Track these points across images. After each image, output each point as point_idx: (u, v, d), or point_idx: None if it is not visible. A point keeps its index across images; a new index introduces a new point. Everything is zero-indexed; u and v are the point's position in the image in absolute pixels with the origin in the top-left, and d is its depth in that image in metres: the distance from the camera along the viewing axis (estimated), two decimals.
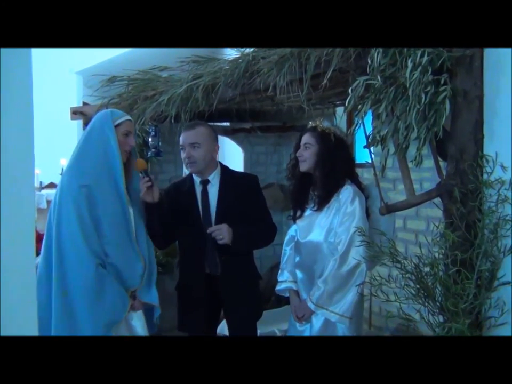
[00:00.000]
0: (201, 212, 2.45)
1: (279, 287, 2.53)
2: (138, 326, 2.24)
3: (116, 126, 2.19)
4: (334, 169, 2.31)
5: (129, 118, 2.29)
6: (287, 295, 2.53)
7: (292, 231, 2.57)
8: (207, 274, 2.45)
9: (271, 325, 3.42)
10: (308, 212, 2.44)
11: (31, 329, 1.26)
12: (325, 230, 2.33)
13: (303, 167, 2.38)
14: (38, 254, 2.34)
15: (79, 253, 2.07)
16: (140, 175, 2.24)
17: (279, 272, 2.56)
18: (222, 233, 2.33)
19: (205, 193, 2.46)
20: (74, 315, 2.07)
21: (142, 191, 2.22)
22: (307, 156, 2.36)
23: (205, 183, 2.47)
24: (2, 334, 1.17)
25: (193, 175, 2.52)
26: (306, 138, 2.38)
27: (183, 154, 2.43)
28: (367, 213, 2.35)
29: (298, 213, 2.49)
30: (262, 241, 2.57)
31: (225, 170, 2.55)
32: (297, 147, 2.44)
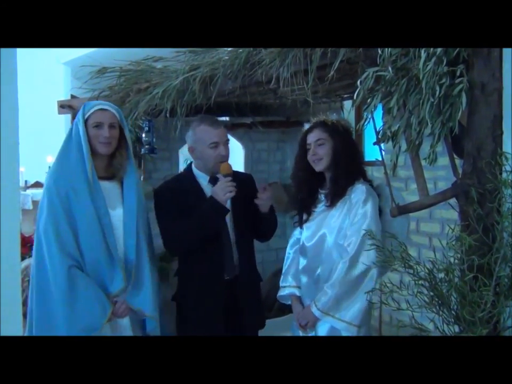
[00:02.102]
0: None
1: (282, 292, 2.53)
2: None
3: (87, 119, 2.23)
4: (351, 163, 2.32)
5: (102, 107, 2.26)
6: (289, 302, 2.53)
7: (297, 232, 2.56)
8: (223, 279, 2.45)
9: (274, 334, 3.43)
10: (316, 212, 2.43)
11: (16, 329, 1.29)
12: (335, 231, 2.32)
13: (320, 166, 2.36)
14: (22, 258, 2.35)
15: (51, 253, 2.15)
16: (224, 178, 2.35)
17: (282, 277, 2.56)
18: (268, 196, 2.42)
19: None
20: (52, 317, 2.14)
21: (226, 193, 2.31)
22: (323, 153, 2.33)
23: (214, 181, 2.48)
24: None
25: (195, 173, 2.52)
26: (318, 134, 2.35)
27: (215, 152, 2.42)
28: (380, 214, 2.35)
29: (305, 217, 2.48)
30: (274, 227, 2.63)
31: None
32: (303, 148, 2.41)
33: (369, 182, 2.39)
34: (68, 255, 2.13)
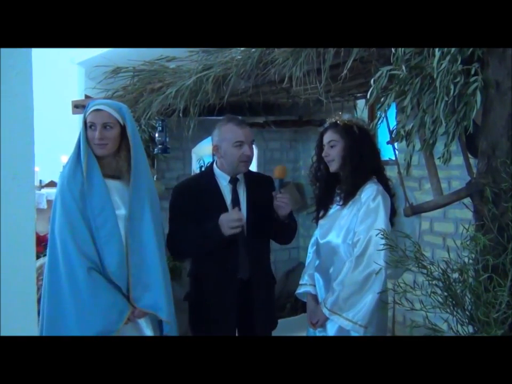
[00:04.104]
0: None
1: (298, 290, 2.58)
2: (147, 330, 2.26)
3: (85, 120, 2.19)
4: (363, 162, 2.32)
5: (97, 107, 2.18)
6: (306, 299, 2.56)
7: (317, 232, 2.58)
8: (237, 279, 2.47)
9: (286, 334, 3.44)
10: (330, 211, 2.46)
11: (31, 330, 1.30)
12: (344, 230, 2.33)
13: (333, 167, 2.38)
14: (37, 257, 2.35)
15: (67, 255, 2.10)
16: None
17: (301, 275, 2.60)
18: (287, 200, 2.41)
19: (235, 192, 2.50)
20: (63, 319, 2.09)
21: (230, 229, 2.32)
22: (334, 154, 2.36)
23: (235, 181, 2.50)
24: (2, 334, 1.20)
25: (216, 173, 2.53)
26: (330, 136, 2.38)
27: (239, 151, 2.42)
28: (395, 213, 2.35)
29: (321, 213, 2.50)
30: (294, 231, 2.63)
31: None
32: (320, 148, 2.44)
33: (386, 181, 2.39)
34: (85, 257, 2.08)
